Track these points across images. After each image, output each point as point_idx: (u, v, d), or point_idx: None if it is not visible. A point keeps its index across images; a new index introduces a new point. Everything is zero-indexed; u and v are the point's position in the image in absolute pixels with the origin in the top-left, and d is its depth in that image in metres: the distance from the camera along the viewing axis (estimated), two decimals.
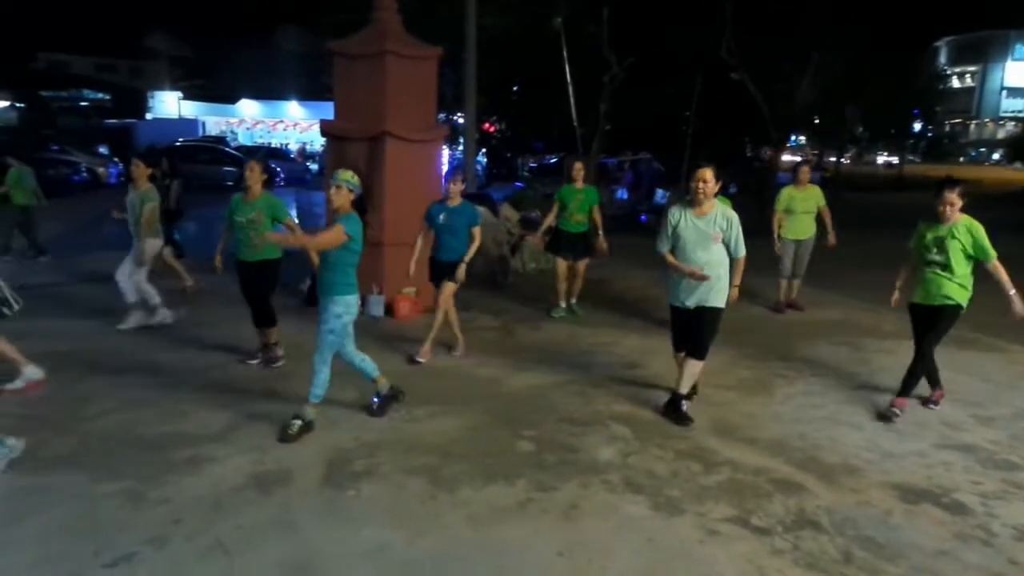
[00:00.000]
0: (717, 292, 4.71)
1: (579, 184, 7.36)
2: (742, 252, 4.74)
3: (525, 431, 4.56)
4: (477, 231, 5.89)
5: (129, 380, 5.26)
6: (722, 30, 16.52)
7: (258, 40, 43.60)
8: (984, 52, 64.12)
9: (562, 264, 7.50)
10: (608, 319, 7.54)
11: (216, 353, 5.95)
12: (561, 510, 3.62)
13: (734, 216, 4.74)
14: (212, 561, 3.12)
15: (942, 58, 58.97)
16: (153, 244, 6.57)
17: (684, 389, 4.85)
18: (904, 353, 6.49)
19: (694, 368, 4.84)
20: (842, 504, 3.76)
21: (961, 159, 54.10)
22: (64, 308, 7.17)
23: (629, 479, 3.97)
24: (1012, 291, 4.80)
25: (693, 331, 4.81)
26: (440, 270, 5.88)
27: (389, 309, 7.20)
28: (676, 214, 4.77)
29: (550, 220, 7.54)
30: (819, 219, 7.97)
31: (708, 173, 4.61)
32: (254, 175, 5.48)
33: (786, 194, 7.89)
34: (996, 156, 53.27)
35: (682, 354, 4.94)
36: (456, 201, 5.86)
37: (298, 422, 4.37)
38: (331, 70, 7.92)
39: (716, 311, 4.76)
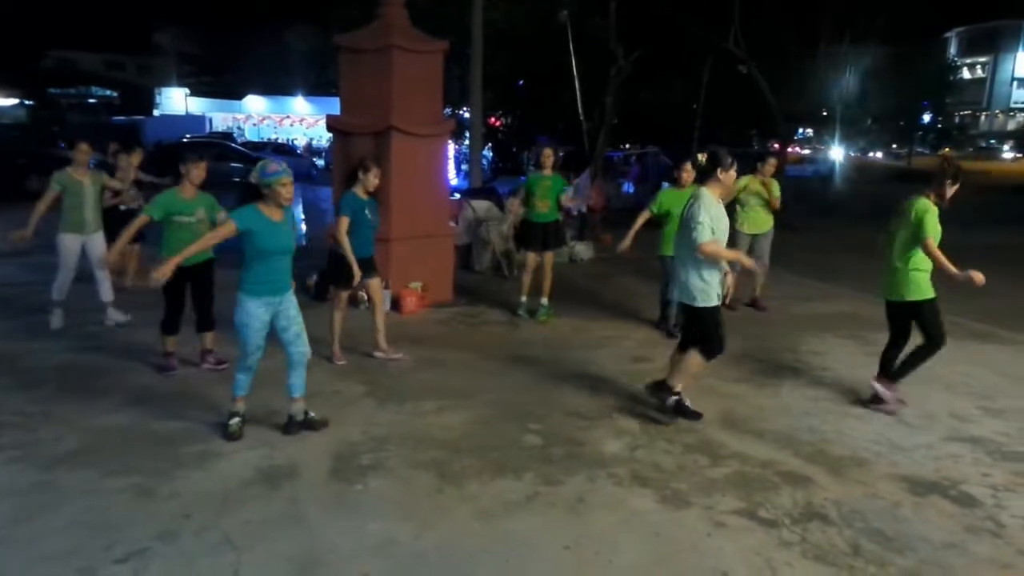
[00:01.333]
0: (694, 288, 4.56)
1: (547, 171, 7.08)
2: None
3: (532, 425, 4.57)
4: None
5: (140, 376, 5.29)
6: (730, 22, 16.44)
7: (265, 36, 43.69)
8: (995, 42, 63.52)
9: (531, 257, 7.13)
10: (616, 312, 7.53)
11: (221, 350, 5.96)
12: (568, 504, 3.63)
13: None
14: (221, 555, 3.13)
15: (953, 49, 58.49)
16: None
17: (676, 381, 4.70)
18: (912, 345, 6.47)
19: (690, 364, 4.65)
20: (850, 496, 3.75)
21: (971, 150, 53.74)
22: (77, 304, 7.21)
23: (636, 472, 3.97)
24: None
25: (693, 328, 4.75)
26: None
27: (396, 303, 7.21)
28: (712, 204, 4.46)
29: (516, 207, 7.48)
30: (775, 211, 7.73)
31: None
32: (200, 171, 5.25)
33: (742, 183, 7.45)
34: (1007, 148, 52.81)
35: (707, 361, 4.68)
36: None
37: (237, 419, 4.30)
38: (337, 65, 7.92)
39: (701, 309, 4.57)
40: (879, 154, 47.44)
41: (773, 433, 4.53)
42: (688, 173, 6.57)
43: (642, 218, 6.58)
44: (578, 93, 15.40)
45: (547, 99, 20.65)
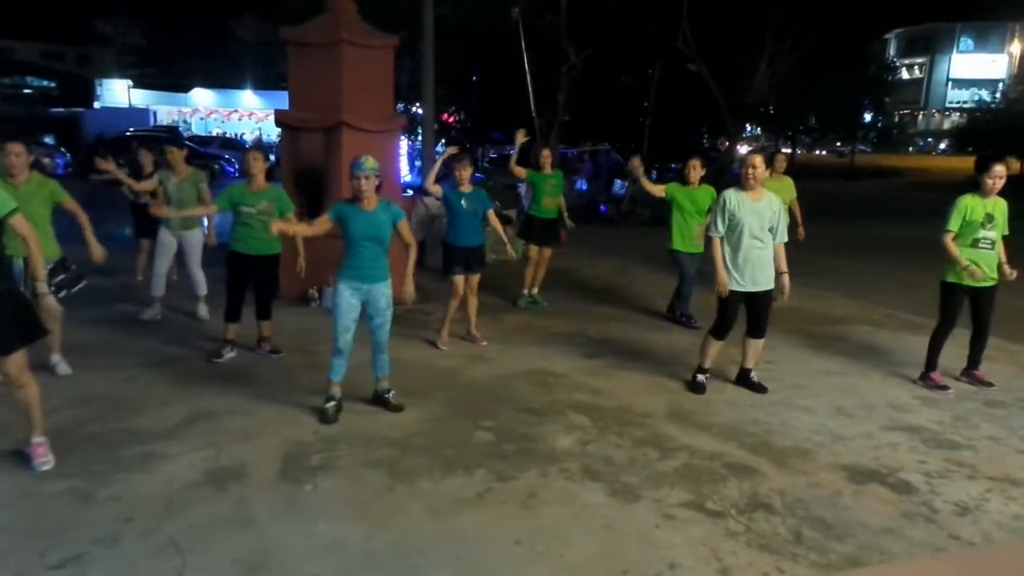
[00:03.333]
0: (772, 274, 5.05)
1: (548, 170, 7.39)
2: (785, 238, 5.08)
3: (484, 422, 4.58)
4: (492, 214, 6.16)
5: (85, 374, 5.13)
6: (679, 21, 16.68)
7: (212, 27, 42.68)
8: (932, 44, 65.83)
9: (535, 251, 7.47)
10: (570, 308, 7.58)
11: (176, 347, 5.83)
12: (520, 499, 3.65)
13: (780, 202, 5.09)
14: (165, 559, 3.06)
15: (892, 49, 60.38)
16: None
17: (752, 363, 5.31)
18: (856, 338, 6.70)
19: (759, 346, 5.25)
20: (794, 486, 3.85)
21: (910, 149, 55.55)
22: None
23: (587, 467, 4.01)
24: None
25: (755, 313, 5.13)
26: (466, 256, 6.02)
27: None
28: (732, 198, 4.95)
29: (529, 205, 7.55)
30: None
31: (758, 159, 4.95)
32: (259, 164, 5.40)
33: None
34: (942, 146, 54.84)
35: (720, 342, 5.19)
36: (469, 187, 6.03)
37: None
38: (287, 59, 7.79)
39: (771, 293, 5.11)
40: (823, 152, 48.80)
41: (720, 426, 4.62)
42: (696, 171, 6.68)
43: (658, 189, 6.85)
44: (530, 90, 15.45)
45: (500, 96, 20.66)
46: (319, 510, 3.49)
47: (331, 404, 4.53)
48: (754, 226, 4.91)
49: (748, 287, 5.00)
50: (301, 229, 4.67)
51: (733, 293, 5.02)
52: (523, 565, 3.12)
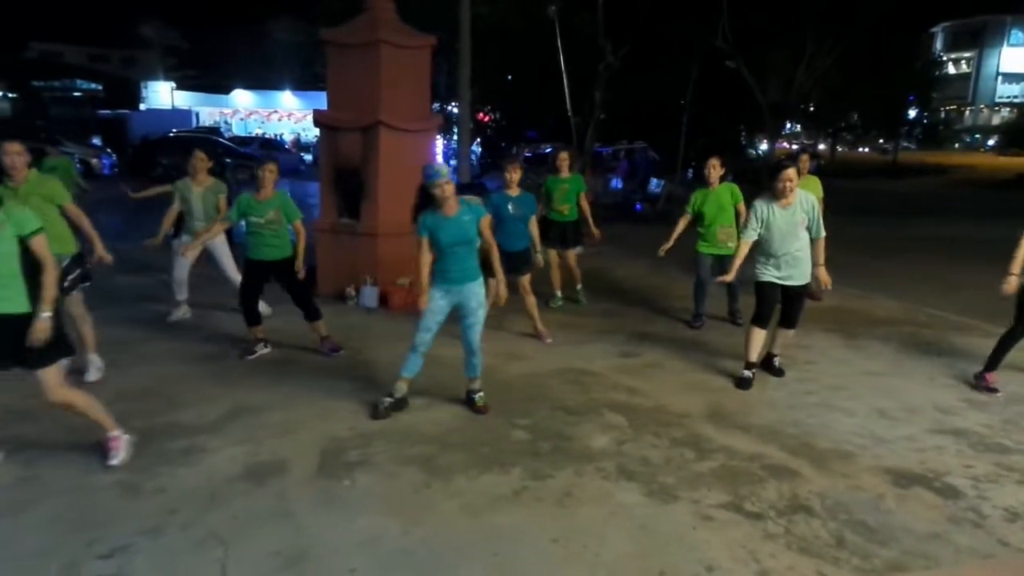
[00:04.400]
0: (807, 271, 5.32)
1: (564, 174, 7.34)
2: (823, 233, 5.29)
3: (520, 420, 4.58)
4: (534, 221, 6.18)
5: (128, 370, 5.26)
6: (718, 18, 16.48)
7: (252, 29, 43.44)
8: (980, 38, 64.01)
9: (552, 254, 7.43)
10: (604, 307, 7.55)
11: (210, 345, 5.95)
12: (555, 498, 3.64)
13: (815, 200, 5.31)
14: (208, 551, 3.13)
15: (938, 44, 58.87)
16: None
17: (779, 350, 5.62)
18: (899, 339, 6.55)
19: (790, 336, 5.60)
20: (834, 489, 3.78)
21: (956, 145, 54.10)
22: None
23: (623, 467, 3.98)
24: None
25: (787, 305, 5.42)
26: (511, 259, 5.90)
27: (383, 300, 7.20)
28: (763, 210, 5.24)
29: (542, 211, 7.52)
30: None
31: (792, 172, 5.17)
32: (272, 177, 5.53)
33: None
34: (991, 142, 53.31)
35: (763, 331, 5.38)
36: (517, 190, 6.02)
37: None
38: (324, 59, 7.88)
39: (805, 287, 5.42)
40: (866, 149, 47.77)
41: (759, 427, 4.56)
42: (716, 171, 6.66)
43: (683, 222, 6.80)
44: (566, 88, 15.41)
45: (535, 94, 20.64)
46: (356, 505, 3.53)
47: (389, 400, 4.61)
48: (786, 230, 5.18)
49: (783, 281, 5.29)
50: (423, 265, 4.49)
51: (771, 285, 5.30)
52: (559, 564, 3.11)
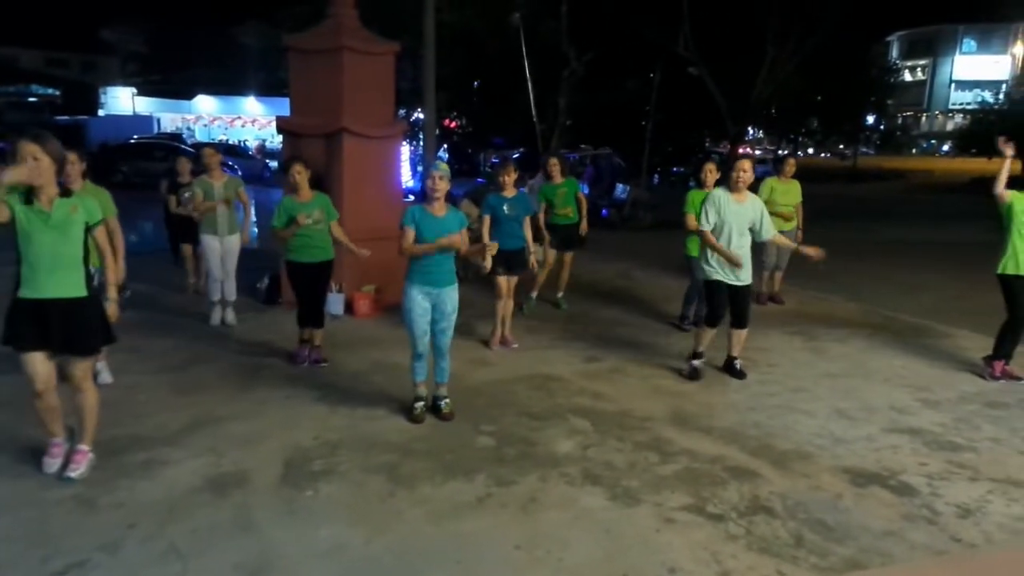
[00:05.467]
0: (750, 271, 5.47)
1: (557, 179, 7.48)
2: (773, 231, 5.51)
3: (485, 426, 4.58)
4: (528, 221, 6.25)
5: None
6: (680, 25, 16.70)
7: (215, 34, 42.85)
8: (934, 46, 65.80)
9: (551, 254, 7.56)
10: (571, 312, 7.59)
11: (172, 354, 5.86)
12: (520, 504, 3.65)
13: (762, 204, 5.52)
14: (167, 565, 3.07)
15: (894, 52, 60.36)
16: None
17: (737, 352, 5.66)
18: (858, 341, 6.70)
19: (743, 336, 5.61)
20: (794, 489, 3.85)
21: (914, 151, 55.46)
22: None
23: (588, 471, 4.01)
24: None
25: (736, 305, 5.49)
26: (507, 258, 6.01)
27: (349, 306, 7.15)
28: (720, 198, 5.36)
29: (542, 219, 7.52)
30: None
31: (748, 163, 5.35)
32: (304, 176, 5.48)
33: (768, 185, 7.83)
34: (945, 148, 54.76)
35: (713, 330, 5.52)
36: (512, 192, 6.13)
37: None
38: (288, 65, 7.82)
39: (750, 286, 5.56)
40: (826, 154, 48.73)
41: (720, 429, 4.62)
42: (712, 175, 6.71)
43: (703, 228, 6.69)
44: (531, 95, 15.49)
45: (501, 101, 20.70)
46: (320, 515, 3.50)
47: (420, 404, 4.66)
48: (737, 226, 5.32)
49: (731, 280, 5.39)
50: (413, 249, 4.46)
51: (719, 284, 5.42)
52: (523, 569, 3.12)
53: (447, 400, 4.76)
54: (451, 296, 4.56)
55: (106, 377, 5.15)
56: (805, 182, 8.21)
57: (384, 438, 4.39)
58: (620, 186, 16.58)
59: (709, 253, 5.43)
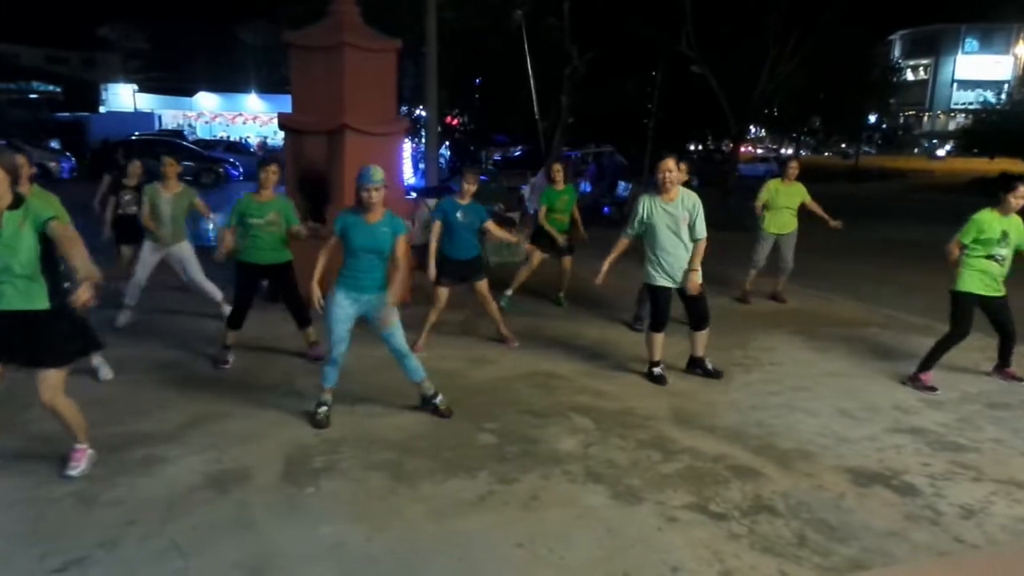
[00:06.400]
0: (699, 271, 5.29)
1: (560, 185, 7.50)
2: (703, 235, 5.23)
3: (487, 424, 4.57)
4: (491, 225, 6.07)
5: (82, 379, 5.12)
6: (682, 23, 16.66)
7: (216, 31, 42.81)
8: (936, 45, 65.71)
9: (538, 257, 7.59)
10: (571, 311, 7.58)
11: (170, 351, 5.84)
12: (522, 502, 3.64)
13: (698, 199, 5.27)
14: (167, 562, 3.06)
15: (896, 51, 60.27)
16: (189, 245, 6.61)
17: (702, 352, 5.55)
18: (860, 340, 6.68)
19: (704, 336, 5.48)
20: (797, 489, 3.83)
21: (915, 150, 55.39)
22: None
23: (590, 469, 4.00)
24: None
25: (689, 307, 5.40)
26: (462, 267, 5.95)
27: None
28: (646, 204, 5.29)
29: (543, 221, 7.50)
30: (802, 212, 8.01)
31: (671, 162, 5.19)
32: (274, 178, 5.44)
33: (772, 187, 7.90)
34: (947, 148, 54.70)
35: (662, 334, 5.41)
36: (468, 200, 5.94)
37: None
38: (290, 62, 7.80)
39: (702, 285, 5.37)
40: (828, 153, 48.69)
41: (723, 428, 4.61)
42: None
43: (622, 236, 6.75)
44: (533, 92, 15.46)
45: (503, 98, 20.67)
46: (321, 513, 3.49)
47: (323, 409, 4.52)
48: (668, 225, 5.22)
49: (673, 283, 5.30)
50: (319, 264, 4.47)
51: (662, 289, 5.33)
52: (525, 568, 3.11)
53: (440, 397, 4.71)
54: (383, 300, 4.39)
55: (106, 373, 5.15)
56: (806, 181, 8.19)
57: (385, 435, 4.37)
58: (622, 184, 16.58)
59: (649, 257, 5.33)
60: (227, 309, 6.58)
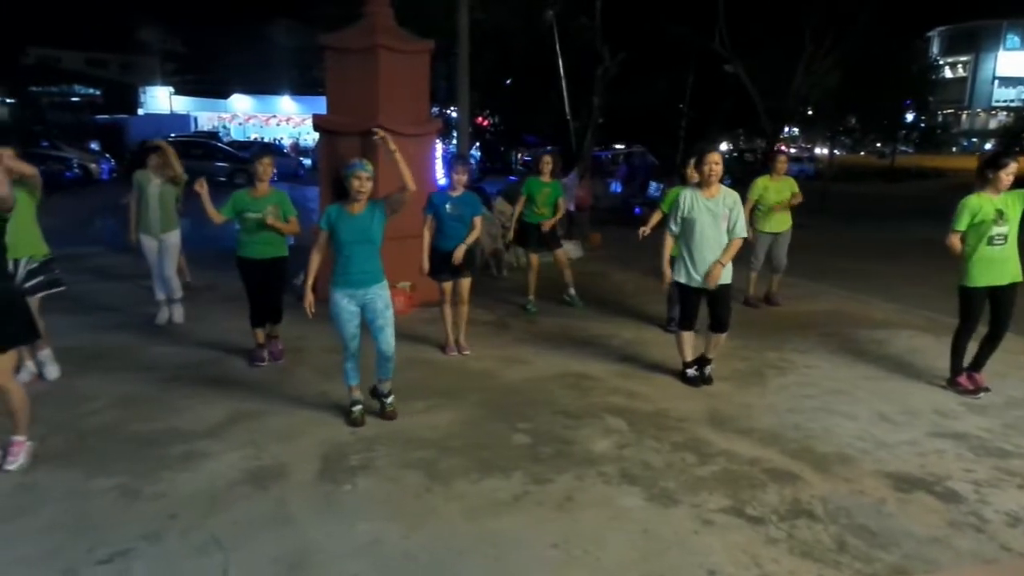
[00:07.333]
0: (728, 270, 5.15)
1: (546, 177, 7.42)
2: (743, 233, 5.15)
3: (521, 424, 4.57)
4: (479, 220, 5.91)
5: (125, 376, 5.25)
6: (715, 22, 16.51)
7: (250, 34, 43.42)
8: (976, 42, 64.14)
9: (534, 258, 7.55)
10: (604, 311, 7.55)
11: (211, 349, 5.94)
12: (556, 502, 3.63)
13: (738, 197, 5.19)
14: (207, 556, 3.12)
15: (935, 48, 59.00)
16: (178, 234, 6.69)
17: (713, 354, 5.41)
18: (898, 342, 6.56)
19: (721, 339, 5.34)
20: (836, 493, 3.77)
21: (954, 149, 54.12)
22: (60, 304, 7.14)
23: (624, 471, 3.98)
24: None
25: (713, 309, 5.25)
26: (448, 261, 5.81)
27: None
28: (687, 198, 5.16)
29: (518, 212, 7.54)
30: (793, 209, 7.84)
31: (717, 155, 5.10)
32: (270, 171, 5.45)
33: (760, 184, 7.64)
34: (988, 146, 53.40)
35: (690, 332, 5.34)
36: (460, 191, 5.86)
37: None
38: (323, 64, 7.89)
39: (729, 287, 5.24)
40: (863, 153, 47.79)
41: (759, 431, 4.55)
42: (691, 170, 6.50)
43: (656, 216, 6.89)
44: (565, 93, 15.42)
45: (534, 98, 20.65)
46: (357, 510, 3.52)
47: (357, 408, 4.55)
48: (708, 224, 5.08)
49: (703, 283, 5.15)
50: (312, 263, 4.40)
51: (691, 288, 5.20)
52: (559, 568, 3.11)
53: (392, 399, 4.66)
54: (379, 293, 4.37)
55: (52, 372, 5.15)
56: (841, 181, 8.09)
57: (419, 434, 4.40)
58: (653, 184, 16.47)
59: (682, 254, 5.22)
60: (163, 312, 6.65)
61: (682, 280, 5.23)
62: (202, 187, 5.13)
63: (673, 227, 5.24)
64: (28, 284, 4.83)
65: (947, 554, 3.26)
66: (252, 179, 5.43)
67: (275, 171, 5.54)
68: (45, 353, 5.14)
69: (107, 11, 44.71)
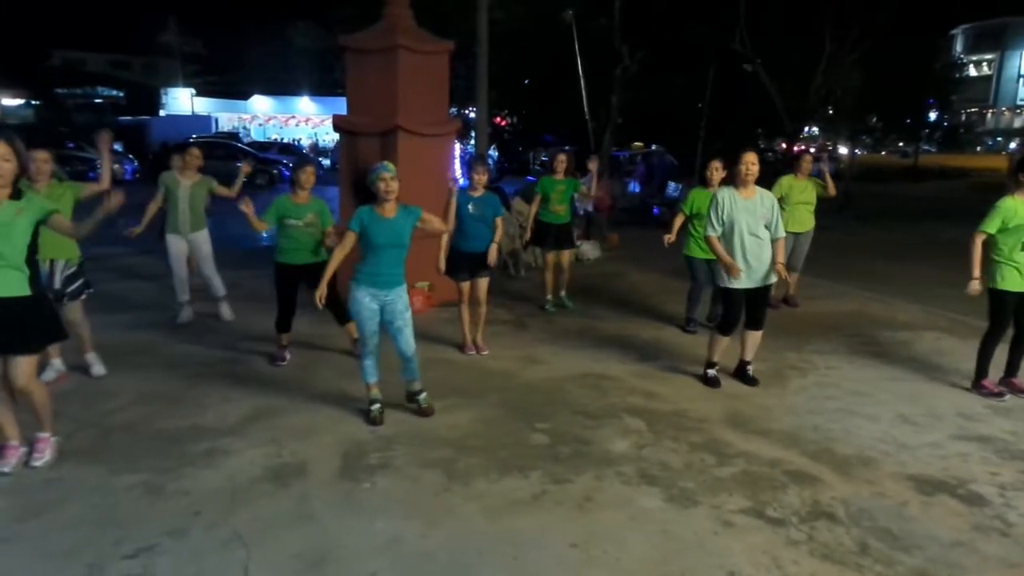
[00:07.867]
0: (771, 271, 5.15)
1: (560, 176, 7.40)
2: (783, 234, 5.18)
3: (539, 424, 4.58)
4: (500, 221, 5.90)
5: (149, 373, 5.32)
6: (735, 21, 16.41)
7: (270, 35, 43.73)
8: (1001, 39, 63.16)
9: (549, 257, 7.55)
10: (622, 311, 7.53)
11: (234, 347, 6.00)
12: (575, 502, 3.64)
13: (774, 198, 5.23)
14: (231, 552, 3.15)
15: (958, 46, 58.21)
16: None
17: (750, 356, 5.42)
18: (922, 344, 6.49)
19: (757, 338, 5.37)
20: (857, 495, 3.74)
21: (978, 148, 53.36)
22: (86, 303, 7.25)
23: (643, 471, 3.97)
24: None
25: (753, 307, 5.24)
26: (472, 260, 5.81)
27: None
28: (726, 199, 5.09)
29: (534, 212, 7.52)
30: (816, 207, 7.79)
31: (754, 155, 5.08)
32: (312, 179, 5.49)
33: (785, 183, 7.56)
34: (1013, 145, 52.56)
35: (727, 338, 5.31)
36: (481, 191, 5.85)
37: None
38: (343, 65, 7.93)
39: (771, 287, 5.29)
40: (885, 152, 47.26)
41: (779, 432, 4.53)
42: (717, 173, 6.51)
43: (678, 220, 6.77)
44: (583, 93, 15.39)
45: (552, 98, 20.64)
46: (377, 508, 3.55)
47: (376, 407, 4.59)
48: (748, 223, 5.04)
49: (747, 284, 5.11)
50: (334, 259, 4.46)
51: (736, 290, 5.14)
52: (579, 568, 3.11)
53: (424, 395, 4.73)
54: (400, 295, 4.44)
55: (99, 369, 5.26)
56: (863, 181, 8.00)
57: (439, 433, 4.42)
58: (672, 184, 16.38)
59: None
60: (226, 309, 6.80)
61: (732, 285, 5.11)
62: (248, 207, 5.22)
63: (716, 227, 5.11)
64: (69, 289, 5.00)
65: (972, 558, 3.22)
66: (293, 185, 5.50)
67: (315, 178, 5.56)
68: (92, 356, 5.27)
69: (130, 14, 45.30)
